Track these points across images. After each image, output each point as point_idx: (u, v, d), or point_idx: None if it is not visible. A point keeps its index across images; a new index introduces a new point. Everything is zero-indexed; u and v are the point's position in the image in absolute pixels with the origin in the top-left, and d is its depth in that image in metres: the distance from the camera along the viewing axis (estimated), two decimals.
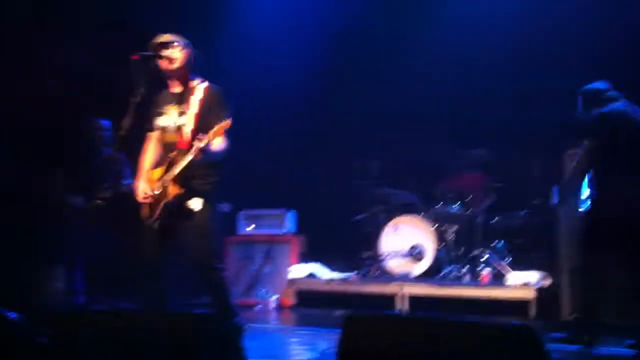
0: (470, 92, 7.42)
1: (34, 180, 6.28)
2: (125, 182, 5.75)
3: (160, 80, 4.19)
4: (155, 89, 4.23)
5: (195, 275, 4.08)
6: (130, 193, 4.33)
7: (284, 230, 7.52)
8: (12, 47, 6.59)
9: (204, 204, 3.99)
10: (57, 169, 6.05)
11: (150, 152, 4.25)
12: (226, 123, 3.79)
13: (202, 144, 3.76)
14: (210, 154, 3.86)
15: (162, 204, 3.97)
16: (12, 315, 3.16)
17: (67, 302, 5.76)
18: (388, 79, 7.68)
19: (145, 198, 4.05)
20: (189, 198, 3.98)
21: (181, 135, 4.02)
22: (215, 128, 3.78)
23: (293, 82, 7.83)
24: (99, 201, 5.88)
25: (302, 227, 7.71)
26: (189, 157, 3.84)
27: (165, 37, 4.07)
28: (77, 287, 5.90)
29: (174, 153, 3.98)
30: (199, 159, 3.83)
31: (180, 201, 3.94)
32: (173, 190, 3.93)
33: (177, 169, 3.91)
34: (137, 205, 4.14)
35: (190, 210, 3.97)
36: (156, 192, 4.00)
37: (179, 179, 3.93)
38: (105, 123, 6.07)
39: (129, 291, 5.86)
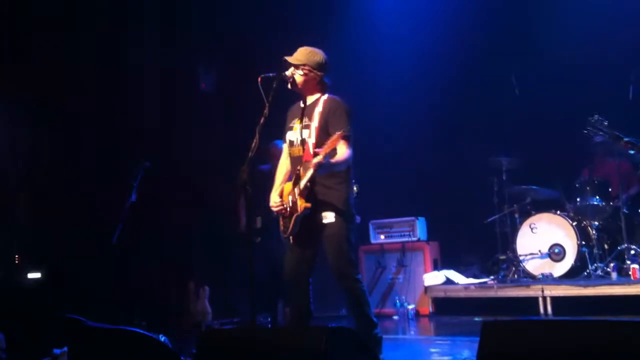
0: (608, 79, 7.05)
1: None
2: None
3: (294, 95, 4.29)
4: (283, 107, 4.33)
5: (337, 286, 4.09)
6: None
7: (415, 238, 7.46)
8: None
9: (336, 214, 4.02)
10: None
11: (284, 165, 4.36)
12: (337, 136, 3.78)
13: (317, 160, 3.79)
14: (330, 166, 3.88)
15: (294, 217, 4.04)
16: (161, 337, 3.34)
17: (211, 320, 5.99)
18: (513, 70, 7.47)
19: (277, 210, 4.14)
20: (319, 210, 4.02)
21: (305, 149, 4.09)
22: (328, 142, 3.80)
23: (416, 86, 7.81)
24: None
25: (433, 233, 7.61)
26: (310, 172, 3.89)
27: (295, 55, 4.15)
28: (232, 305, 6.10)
29: (300, 167, 4.05)
30: (318, 173, 3.87)
31: (309, 214, 3.99)
32: (301, 204, 3.97)
33: (302, 183, 3.97)
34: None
35: (321, 222, 4.01)
36: (288, 206, 4.08)
37: (306, 192, 3.99)
38: None
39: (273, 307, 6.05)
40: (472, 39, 7.80)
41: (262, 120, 4.03)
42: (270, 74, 4.08)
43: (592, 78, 7.14)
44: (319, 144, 4.02)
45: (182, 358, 3.26)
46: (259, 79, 3.99)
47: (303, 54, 4.17)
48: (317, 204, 4.02)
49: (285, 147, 4.36)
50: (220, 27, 7.67)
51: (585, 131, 4.00)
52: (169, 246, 6.92)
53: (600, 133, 3.90)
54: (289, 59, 4.15)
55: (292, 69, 4.12)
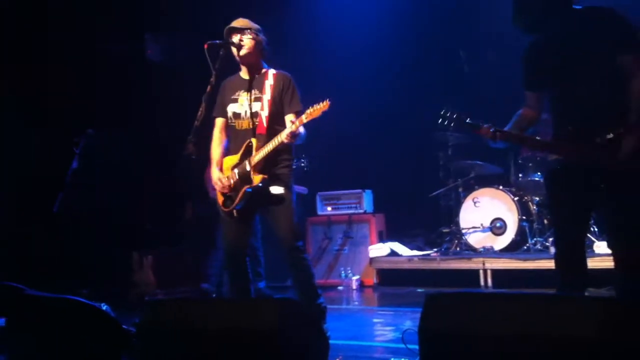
0: None
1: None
2: None
3: (234, 66, 4.21)
4: (226, 76, 4.27)
5: (285, 257, 4.09)
6: None
7: (362, 210, 7.52)
8: None
9: (284, 187, 4.01)
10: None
11: (218, 139, 4.25)
12: (325, 104, 3.72)
13: (294, 128, 3.77)
14: (300, 137, 3.91)
15: (243, 190, 3.99)
16: (103, 306, 3.29)
17: (155, 290, 5.94)
18: (464, 45, 7.52)
19: (222, 187, 4.09)
20: (271, 183, 3.99)
21: (258, 122, 4.04)
22: (311, 110, 3.75)
23: (366, 60, 7.79)
24: None
25: (380, 206, 7.69)
26: (277, 141, 3.85)
27: (236, 23, 4.09)
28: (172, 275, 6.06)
29: (253, 140, 3.99)
30: (290, 143, 3.86)
31: (263, 187, 3.96)
32: (256, 177, 3.94)
33: (259, 155, 3.93)
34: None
35: (273, 195, 3.99)
36: (234, 180, 4.04)
37: (261, 165, 3.96)
38: None
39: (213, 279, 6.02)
40: (424, 12, 7.81)
41: (208, 89, 3.96)
42: (217, 41, 4.00)
43: None
44: (272, 116, 4.03)
45: (124, 327, 3.23)
46: (205, 46, 3.91)
47: (244, 21, 4.12)
48: (270, 178, 3.99)
49: (220, 120, 4.25)
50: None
51: (440, 123, 3.57)
52: (114, 214, 6.80)
53: (453, 125, 3.59)
54: (234, 24, 4.08)
55: (238, 35, 4.05)
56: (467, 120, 3.48)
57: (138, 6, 7.35)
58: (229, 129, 4.22)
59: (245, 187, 3.97)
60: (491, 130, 3.33)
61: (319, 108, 3.74)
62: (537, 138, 3.30)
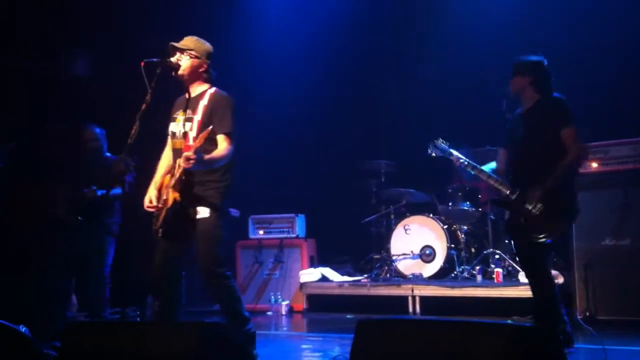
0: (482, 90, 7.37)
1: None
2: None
3: (179, 85, 4.15)
4: (168, 95, 4.20)
5: (203, 282, 4.01)
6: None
7: (294, 234, 7.50)
8: None
9: (210, 211, 3.93)
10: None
11: (166, 158, 4.20)
12: (206, 131, 3.71)
13: (186, 154, 3.69)
14: (204, 162, 3.77)
15: (164, 211, 3.92)
16: (21, 328, 3.15)
17: (77, 314, 5.72)
18: (396, 76, 7.66)
19: (149, 206, 4.00)
20: (191, 205, 3.92)
21: (187, 142, 3.98)
22: (199, 137, 3.73)
23: (301, 86, 7.84)
24: None
25: (311, 231, 7.69)
26: (180, 165, 3.78)
27: (182, 41, 4.04)
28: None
29: (179, 160, 3.92)
30: (190, 168, 3.75)
31: (179, 208, 3.87)
32: (172, 197, 3.87)
33: (176, 176, 3.87)
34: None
35: (194, 218, 3.91)
36: (162, 199, 3.96)
37: (179, 186, 3.88)
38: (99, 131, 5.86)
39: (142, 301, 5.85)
40: (360, 41, 7.95)
41: (143, 107, 3.88)
42: (154, 59, 3.93)
43: (469, 91, 7.43)
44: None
45: (44, 351, 3.10)
46: (142, 64, 3.84)
47: (190, 41, 4.07)
48: (192, 199, 3.91)
49: (168, 139, 4.20)
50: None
51: (429, 151, 4.68)
52: (33, 233, 6.55)
53: (440, 153, 4.65)
54: (176, 44, 4.04)
55: (178, 55, 4.01)
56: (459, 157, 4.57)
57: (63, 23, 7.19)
58: (170, 148, 4.16)
59: (165, 208, 3.90)
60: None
61: (203, 135, 3.71)
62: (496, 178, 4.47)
